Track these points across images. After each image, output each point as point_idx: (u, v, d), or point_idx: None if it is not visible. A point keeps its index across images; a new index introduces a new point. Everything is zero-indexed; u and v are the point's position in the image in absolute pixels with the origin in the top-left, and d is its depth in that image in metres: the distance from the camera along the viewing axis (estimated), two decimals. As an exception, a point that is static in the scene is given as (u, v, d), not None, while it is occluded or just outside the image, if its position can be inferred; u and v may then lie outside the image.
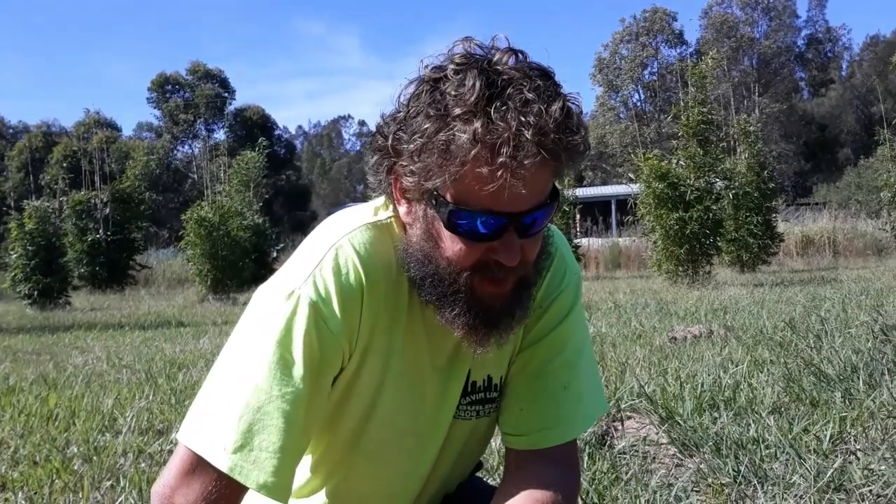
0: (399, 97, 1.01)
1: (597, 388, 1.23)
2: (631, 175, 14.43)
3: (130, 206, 20.33)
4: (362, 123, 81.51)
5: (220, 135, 47.03)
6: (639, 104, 49.30)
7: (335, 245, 1.05)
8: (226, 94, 51.65)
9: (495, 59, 0.96)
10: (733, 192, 14.91)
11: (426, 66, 0.98)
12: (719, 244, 13.00)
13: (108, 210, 19.57)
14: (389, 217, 1.11)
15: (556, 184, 1.01)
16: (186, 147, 52.43)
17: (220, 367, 1.03)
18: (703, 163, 12.47)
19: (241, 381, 0.99)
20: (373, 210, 1.13)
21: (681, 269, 12.10)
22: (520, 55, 0.97)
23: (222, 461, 0.96)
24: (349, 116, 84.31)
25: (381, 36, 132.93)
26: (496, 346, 1.05)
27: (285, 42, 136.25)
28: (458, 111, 0.91)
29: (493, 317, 1.02)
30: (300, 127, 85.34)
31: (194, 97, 50.00)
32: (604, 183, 41.63)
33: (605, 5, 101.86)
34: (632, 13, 56.86)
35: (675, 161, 12.65)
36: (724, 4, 49.99)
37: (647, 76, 49.25)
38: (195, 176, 44.02)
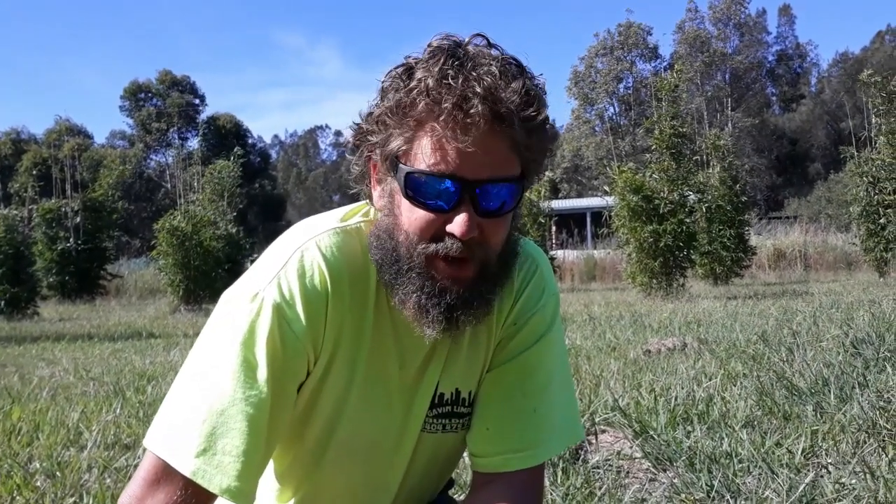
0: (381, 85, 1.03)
1: (570, 415, 1.19)
2: (606, 188, 14.51)
3: (102, 214, 20.05)
4: (339, 133, 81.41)
5: (194, 143, 46.68)
6: (614, 117, 49.75)
7: (301, 247, 1.04)
8: (197, 102, 51.25)
9: (467, 42, 0.98)
10: (706, 205, 15.08)
11: (406, 58, 1.01)
12: (693, 257, 13.13)
13: (79, 219, 19.29)
14: (359, 222, 1.10)
15: (524, 171, 1.00)
16: (160, 156, 51.94)
17: (185, 370, 1.02)
18: (676, 176, 12.59)
19: (205, 384, 0.98)
20: (342, 215, 1.12)
21: (655, 281, 12.18)
22: (491, 43, 0.99)
23: (186, 465, 0.95)
24: (326, 126, 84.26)
25: (359, 47, 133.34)
26: (446, 336, 1.02)
27: (263, 52, 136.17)
28: (418, 76, 0.94)
29: (447, 301, 0.99)
30: (276, 136, 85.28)
31: (166, 106, 49.56)
32: (579, 195, 41.92)
33: (580, 19, 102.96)
34: (606, 27, 57.54)
35: (649, 174, 12.76)
36: (696, 20, 50.75)
37: (622, 90, 49.76)
38: (168, 185, 43.62)
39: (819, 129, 49.41)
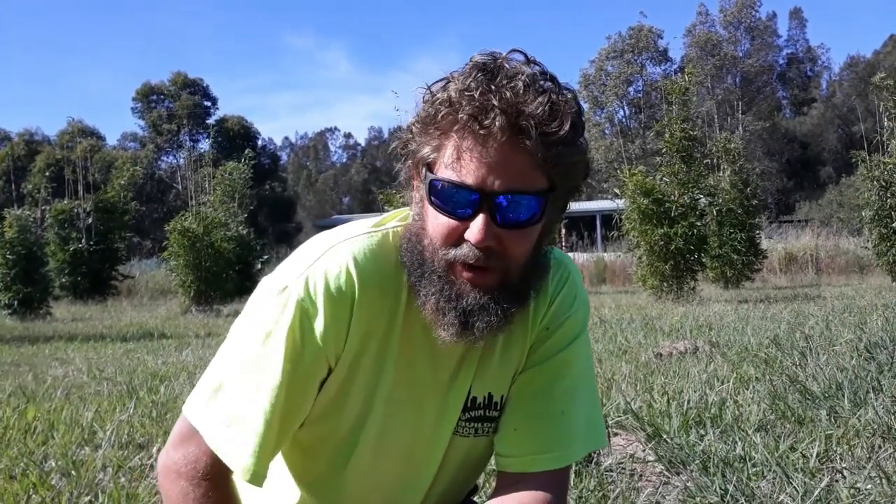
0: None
1: (595, 421, 1.21)
2: (616, 190, 14.48)
3: (114, 215, 20.17)
4: (349, 136, 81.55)
5: (205, 145, 46.85)
6: (623, 120, 49.64)
7: (333, 246, 1.08)
8: (208, 104, 51.42)
9: (504, 57, 1.01)
10: (717, 208, 15.02)
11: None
12: (703, 260, 13.07)
13: (91, 220, 19.41)
14: (395, 226, 1.13)
15: (549, 185, 1.00)
16: (171, 157, 52.16)
17: (223, 350, 1.11)
18: (686, 179, 12.55)
19: (233, 367, 1.07)
20: (379, 221, 1.15)
21: (665, 284, 12.14)
22: (529, 58, 1.01)
23: (210, 437, 1.05)
24: (336, 129, 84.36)
25: (368, 50, 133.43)
26: (461, 340, 1.04)
27: (273, 55, 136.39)
28: (449, 88, 0.98)
29: (464, 305, 1.02)
30: (286, 138, 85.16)
31: (177, 107, 49.75)
32: (589, 198, 41.76)
33: (591, 21, 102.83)
34: (617, 30, 57.45)
35: (660, 177, 12.72)
36: (707, 23, 50.57)
37: (632, 93, 49.62)
38: (179, 186, 43.81)
39: (830, 133, 49.16)
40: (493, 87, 0.95)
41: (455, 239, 1.01)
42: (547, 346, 1.18)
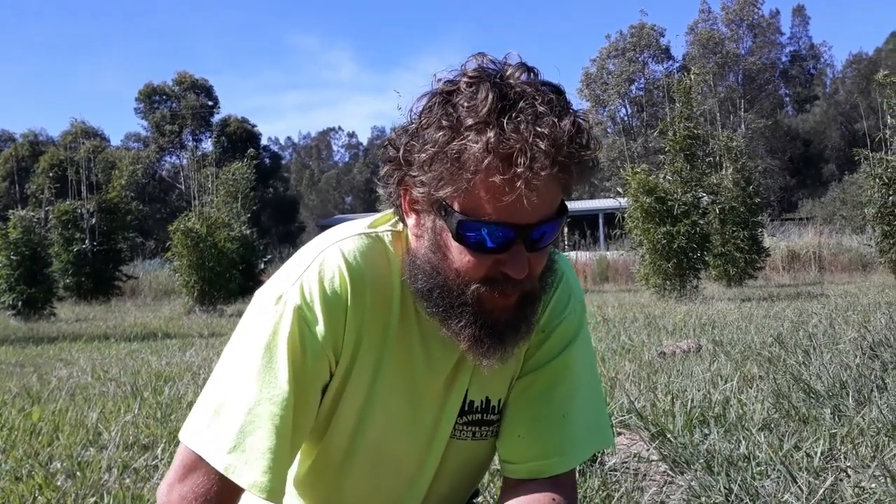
0: (411, 109, 1.02)
1: (599, 421, 1.21)
2: (619, 189, 14.49)
3: (117, 216, 20.17)
4: (352, 135, 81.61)
5: (208, 145, 46.86)
6: (626, 119, 49.59)
7: (325, 250, 1.07)
8: (211, 104, 51.45)
9: (507, 73, 0.97)
10: (720, 206, 15.01)
11: (439, 80, 1.00)
12: (706, 259, 13.06)
13: (94, 220, 19.43)
14: (388, 230, 1.11)
15: (564, 199, 1.01)
16: (174, 157, 52.19)
17: (219, 368, 1.08)
18: (689, 177, 12.54)
19: (234, 383, 1.04)
20: (371, 222, 1.14)
21: (668, 283, 12.13)
22: (532, 73, 0.98)
23: (219, 461, 1.01)
24: (339, 128, 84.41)
25: (372, 50, 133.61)
26: (500, 362, 1.05)
27: (278, 55, 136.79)
28: (470, 121, 0.92)
29: (499, 330, 1.02)
30: (289, 138, 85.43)
31: (180, 108, 49.78)
32: (591, 196, 41.79)
33: (592, 20, 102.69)
34: (618, 28, 57.37)
35: (663, 176, 12.72)
36: (709, 21, 50.49)
37: (634, 91, 49.58)
38: (182, 187, 43.83)
39: (833, 131, 49.07)
40: (521, 122, 0.90)
41: (486, 272, 0.99)
42: (544, 350, 1.18)
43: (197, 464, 1.03)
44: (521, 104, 0.92)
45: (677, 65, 47.59)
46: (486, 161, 0.90)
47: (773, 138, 47.25)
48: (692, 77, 13.60)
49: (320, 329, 1.03)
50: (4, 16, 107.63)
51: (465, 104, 0.93)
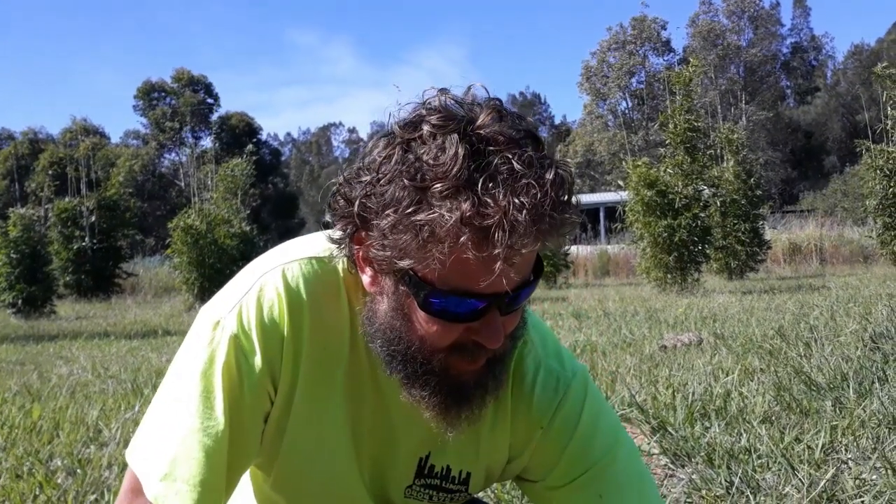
0: (365, 155, 0.89)
1: (647, 492, 1.12)
2: (619, 182, 14.48)
3: (116, 213, 20.20)
4: (352, 130, 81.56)
5: (207, 142, 46.84)
6: (626, 112, 49.52)
7: (267, 272, 0.99)
8: (211, 101, 51.38)
9: (477, 119, 0.84)
10: (721, 199, 15.00)
11: (397, 122, 0.87)
12: (707, 251, 13.06)
13: (94, 218, 19.44)
14: (342, 255, 0.98)
15: (540, 256, 0.92)
16: (173, 154, 52.16)
17: (162, 388, 1.02)
18: (690, 170, 12.53)
19: (172, 409, 0.98)
20: (324, 243, 1.02)
21: (669, 276, 12.13)
22: (503, 112, 0.86)
23: (150, 488, 0.96)
24: (339, 123, 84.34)
25: (372, 44, 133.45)
26: (467, 425, 0.97)
27: (277, 51, 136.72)
28: (438, 186, 0.80)
29: (467, 392, 0.95)
30: (288, 134, 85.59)
31: (180, 104, 49.73)
32: (592, 190, 41.78)
33: (592, 13, 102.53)
34: (619, 21, 57.27)
35: (664, 169, 12.70)
36: (710, 13, 50.37)
37: (634, 84, 49.49)
38: (182, 183, 43.84)
39: (834, 122, 48.97)
40: (498, 189, 0.79)
41: (455, 341, 0.91)
42: (551, 447, 1.09)
43: (139, 485, 0.98)
44: (496, 161, 0.80)
45: (678, 57, 47.50)
46: (461, 238, 0.80)
47: (775, 130, 47.17)
48: (692, 69, 13.56)
49: (257, 361, 0.97)
50: (4, 15, 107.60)
51: (431, 161, 0.81)
